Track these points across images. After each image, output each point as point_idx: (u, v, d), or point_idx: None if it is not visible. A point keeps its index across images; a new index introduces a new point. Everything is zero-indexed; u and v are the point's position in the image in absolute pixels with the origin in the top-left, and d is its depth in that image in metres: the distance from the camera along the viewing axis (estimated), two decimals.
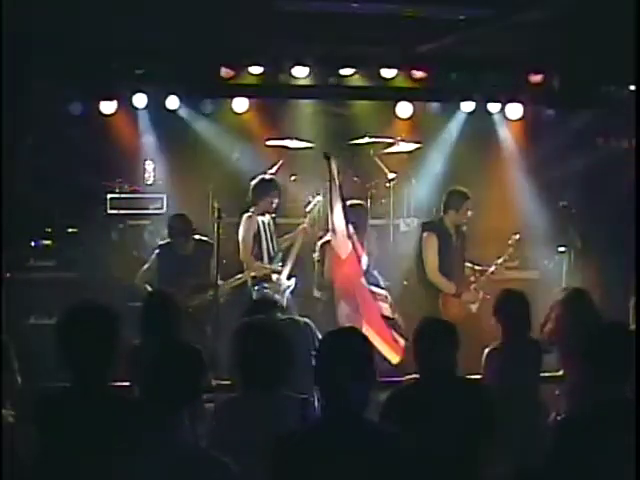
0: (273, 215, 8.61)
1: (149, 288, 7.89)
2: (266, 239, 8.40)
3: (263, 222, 8.41)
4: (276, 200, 8.42)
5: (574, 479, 3.91)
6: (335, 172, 7.56)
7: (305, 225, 8.57)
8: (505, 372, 5.80)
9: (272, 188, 8.43)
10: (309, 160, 10.08)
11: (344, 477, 3.46)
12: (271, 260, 8.36)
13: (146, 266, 8.17)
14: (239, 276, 8.22)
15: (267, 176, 8.74)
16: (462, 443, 4.48)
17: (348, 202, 8.04)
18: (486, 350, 6.00)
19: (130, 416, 3.76)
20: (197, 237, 8.25)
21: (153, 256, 8.20)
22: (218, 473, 3.45)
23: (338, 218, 7.21)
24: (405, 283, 8.81)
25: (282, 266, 8.34)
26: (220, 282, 7.89)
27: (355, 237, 7.19)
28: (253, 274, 8.23)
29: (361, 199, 9.58)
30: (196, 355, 5.16)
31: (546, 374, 6.33)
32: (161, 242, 8.37)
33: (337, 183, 7.35)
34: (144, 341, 5.54)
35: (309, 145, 9.82)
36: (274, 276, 8.25)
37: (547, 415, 5.99)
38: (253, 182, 8.52)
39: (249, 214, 8.45)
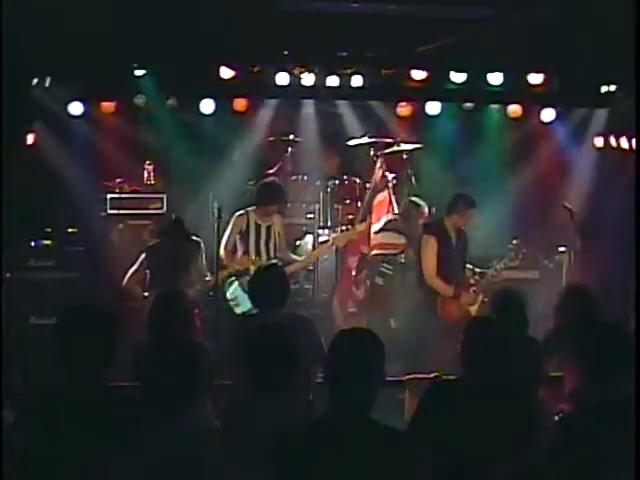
0: (281, 218, 8.57)
1: (139, 289, 7.95)
2: (257, 239, 8.37)
3: (257, 223, 8.36)
4: (272, 208, 8.35)
5: (574, 479, 3.91)
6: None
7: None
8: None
9: (270, 195, 8.38)
10: (309, 160, 10.11)
11: (351, 477, 3.46)
12: (218, 261, 8.25)
13: (134, 267, 8.13)
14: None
15: (269, 181, 8.73)
16: (495, 444, 4.47)
17: None
18: None
19: (130, 416, 3.76)
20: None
21: (141, 257, 8.17)
22: (216, 472, 3.46)
23: None
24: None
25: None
26: (208, 277, 7.99)
27: None
28: (235, 268, 8.26)
29: (361, 199, 9.64)
30: (203, 354, 5.19)
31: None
32: (149, 243, 8.32)
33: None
34: (151, 340, 5.54)
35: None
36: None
37: (547, 415, 5.99)
38: (257, 185, 8.57)
39: (240, 212, 8.45)
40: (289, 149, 9.99)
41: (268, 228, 8.39)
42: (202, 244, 8.13)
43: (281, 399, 4.38)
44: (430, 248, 8.05)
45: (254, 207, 8.39)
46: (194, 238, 8.22)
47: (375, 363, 3.54)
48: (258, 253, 8.31)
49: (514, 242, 8.26)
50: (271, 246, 8.38)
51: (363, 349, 3.55)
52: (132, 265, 8.07)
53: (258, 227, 8.37)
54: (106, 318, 4.09)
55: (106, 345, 4.02)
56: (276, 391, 4.39)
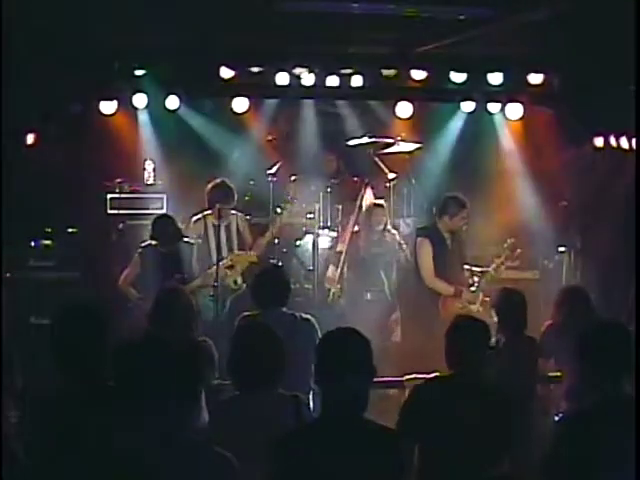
0: (242, 216, 8.74)
1: (133, 290, 8.00)
2: (217, 240, 8.41)
3: (215, 225, 8.45)
4: (224, 205, 8.42)
5: (574, 479, 3.91)
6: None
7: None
8: (500, 370, 5.80)
9: (217, 194, 8.46)
10: (309, 160, 10.11)
11: (343, 476, 3.46)
12: (218, 261, 8.29)
13: (129, 268, 8.18)
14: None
15: (218, 181, 8.72)
16: (481, 443, 4.48)
17: None
18: None
19: (130, 415, 3.76)
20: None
21: (135, 258, 8.19)
22: (220, 468, 3.46)
23: None
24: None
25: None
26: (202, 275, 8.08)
27: None
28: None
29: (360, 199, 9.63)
30: (205, 351, 5.19)
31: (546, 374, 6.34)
32: (142, 244, 8.34)
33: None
34: (153, 337, 5.53)
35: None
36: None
37: (546, 414, 5.99)
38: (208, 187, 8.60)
39: (197, 217, 8.61)
40: (289, 149, 9.99)
41: (227, 227, 8.51)
42: (195, 245, 8.22)
43: (269, 398, 4.38)
44: (425, 251, 8.07)
45: (209, 210, 8.47)
46: (186, 240, 8.25)
47: (363, 362, 3.55)
48: (220, 252, 8.33)
49: (509, 241, 8.26)
50: (233, 244, 8.56)
51: (350, 348, 3.55)
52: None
53: (217, 228, 8.41)
54: (101, 316, 4.09)
55: (101, 343, 4.02)
56: (264, 390, 4.38)
